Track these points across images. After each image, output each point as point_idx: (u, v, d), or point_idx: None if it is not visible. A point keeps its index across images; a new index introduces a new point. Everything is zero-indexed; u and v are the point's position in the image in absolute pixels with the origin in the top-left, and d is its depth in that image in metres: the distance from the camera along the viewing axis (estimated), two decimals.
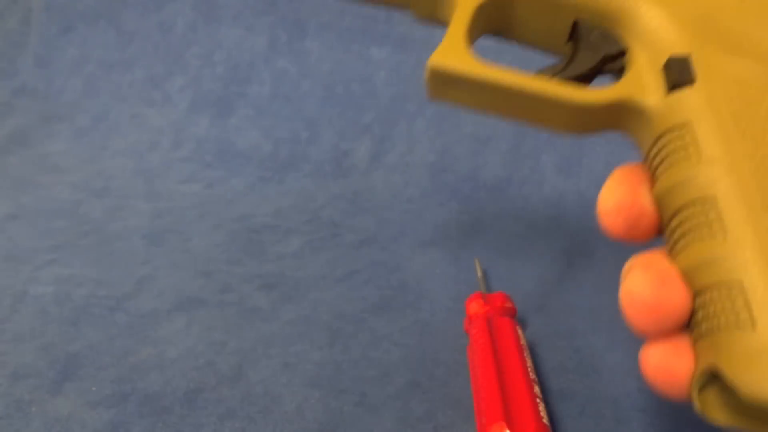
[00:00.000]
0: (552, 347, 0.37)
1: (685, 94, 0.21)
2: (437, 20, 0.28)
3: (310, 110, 0.64)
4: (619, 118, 0.24)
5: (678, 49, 0.22)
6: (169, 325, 0.39)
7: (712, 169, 0.19)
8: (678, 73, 0.22)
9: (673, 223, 0.21)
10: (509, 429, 0.28)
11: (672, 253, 0.21)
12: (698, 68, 0.22)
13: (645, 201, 0.22)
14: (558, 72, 0.24)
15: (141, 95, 0.70)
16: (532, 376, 0.32)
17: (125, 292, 0.43)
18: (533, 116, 0.24)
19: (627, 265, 0.21)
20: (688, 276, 0.19)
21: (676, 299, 0.19)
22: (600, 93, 0.23)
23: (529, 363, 0.33)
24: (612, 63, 0.24)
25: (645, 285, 0.19)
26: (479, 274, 0.42)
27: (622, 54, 0.24)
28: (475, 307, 0.37)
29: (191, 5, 0.70)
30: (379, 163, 0.59)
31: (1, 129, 0.71)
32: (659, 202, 0.22)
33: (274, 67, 0.67)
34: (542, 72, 0.25)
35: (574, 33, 0.25)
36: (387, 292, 0.43)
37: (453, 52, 0.23)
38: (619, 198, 0.22)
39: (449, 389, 0.35)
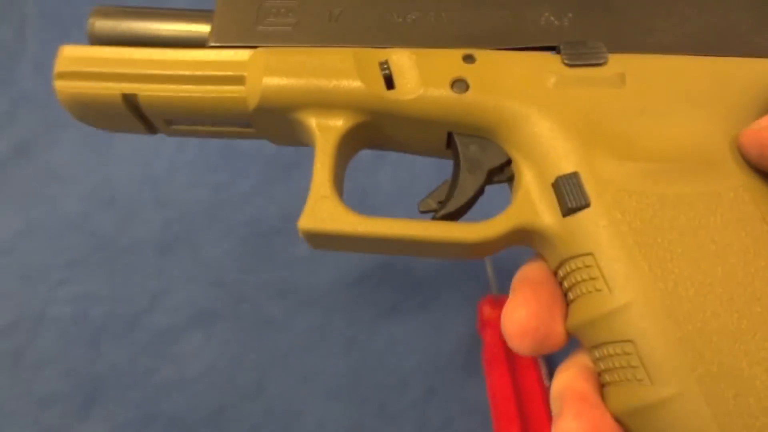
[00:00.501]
0: (566, 350, 0.38)
1: (582, 219, 0.20)
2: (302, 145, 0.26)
3: None
4: (520, 239, 0.22)
5: (565, 161, 0.20)
6: (188, 342, 0.40)
7: (624, 312, 0.18)
8: (571, 196, 0.20)
9: (596, 355, 0.19)
10: None
11: (602, 384, 0.19)
12: (590, 186, 0.20)
13: (554, 326, 0.20)
14: (444, 204, 0.23)
15: None
16: (547, 383, 0.33)
17: (141, 308, 0.43)
18: (427, 254, 0.23)
19: (556, 392, 0.20)
20: (621, 419, 0.18)
21: None
22: (492, 226, 0.21)
23: (543, 369, 0.33)
24: (500, 174, 0.23)
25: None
26: (490, 274, 0.42)
27: (507, 163, 0.22)
28: (487, 311, 0.38)
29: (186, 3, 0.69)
30: (384, 159, 0.59)
31: (5, 140, 0.71)
32: (575, 330, 0.20)
33: None
34: (426, 202, 0.23)
35: (451, 141, 0.23)
36: (398, 294, 0.44)
37: (321, 211, 0.21)
38: (526, 321, 0.20)
39: (466, 394, 0.35)
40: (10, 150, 0.69)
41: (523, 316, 0.20)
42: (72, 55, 0.24)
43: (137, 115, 0.25)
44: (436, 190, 0.24)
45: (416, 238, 0.21)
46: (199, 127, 0.26)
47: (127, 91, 0.23)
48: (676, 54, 0.22)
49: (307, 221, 0.21)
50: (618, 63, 0.22)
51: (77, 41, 0.81)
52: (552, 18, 0.23)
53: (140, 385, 0.37)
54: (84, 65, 0.24)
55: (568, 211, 0.20)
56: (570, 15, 0.23)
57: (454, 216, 0.23)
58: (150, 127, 0.26)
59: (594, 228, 0.19)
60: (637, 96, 0.21)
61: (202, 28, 0.25)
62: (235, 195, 0.58)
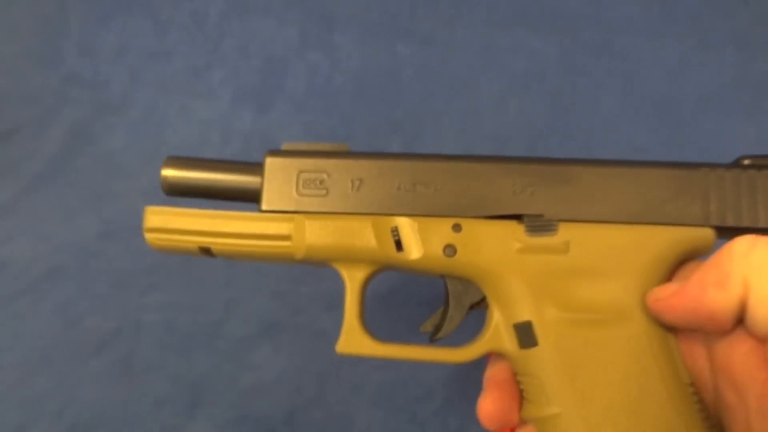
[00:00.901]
0: None
1: (533, 353, 0.30)
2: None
3: (344, 106, 0.71)
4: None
5: (522, 310, 0.30)
6: (261, 352, 0.51)
7: (555, 419, 0.29)
8: (525, 337, 0.30)
9: None
10: None
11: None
12: (539, 331, 0.29)
13: (512, 416, 0.32)
14: (438, 330, 0.33)
15: (185, 87, 0.75)
16: None
17: (218, 317, 0.54)
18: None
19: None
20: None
21: None
22: (472, 351, 0.32)
23: None
24: (478, 305, 0.33)
25: None
26: None
27: (483, 299, 0.32)
28: None
29: None
30: None
31: (61, 121, 0.79)
32: (526, 419, 0.31)
33: (306, 60, 0.72)
34: (426, 326, 0.34)
35: (443, 277, 0.33)
36: (426, 309, 0.54)
37: (352, 341, 0.32)
38: (493, 413, 0.32)
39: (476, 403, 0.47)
40: (68, 134, 0.77)
41: (491, 410, 0.32)
42: (157, 214, 0.33)
43: (208, 255, 0.34)
44: (431, 317, 0.35)
45: (418, 359, 0.33)
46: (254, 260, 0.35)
47: (203, 245, 0.32)
48: (610, 222, 0.30)
49: (343, 347, 0.32)
50: (565, 231, 0.30)
51: (119, 24, 0.87)
52: (518, 190, 0.31)
53: (230, 390, 0.49)
54: (167, 223, 0.33)
55: (523, 346, 0.30)
56: (531, 187, 0.31)
57: (456, 328, 0.34)
58: (215, 257, 0.35)
59: (540, 360, 0.30)
60: (576, 261, 0.30)
61: (253, 180, 0.33)
62: None
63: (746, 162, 0.30)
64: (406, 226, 0.31)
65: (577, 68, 0.64)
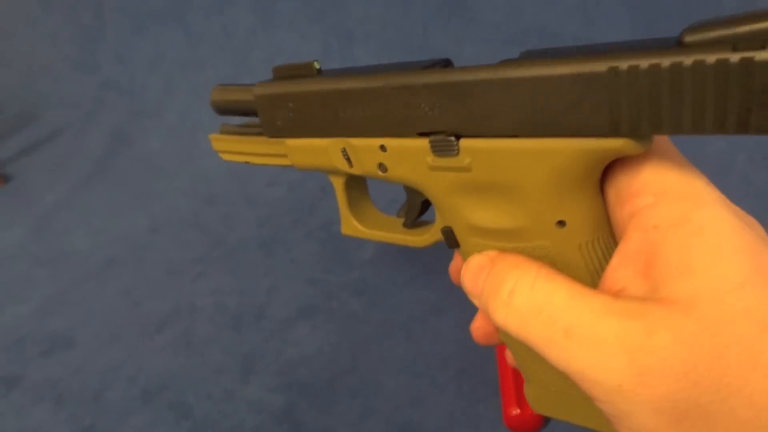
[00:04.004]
0: None
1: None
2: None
3: None
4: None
5: (445, 218, 0.34)
6: (301, 330, 0.65)
7: None
8: (450, 239, 0.35)
9: None
10: (519, 409, 0.55)
11: None
12: (459, 236, 0.34)
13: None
14: (407, 216, 0.40)
15: None
16: None
17: (261, 301, 0.68)
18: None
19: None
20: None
21: None
22: (425, 239, 0.39)
23: None
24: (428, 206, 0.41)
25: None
26: None
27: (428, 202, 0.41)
28: None
29: (250, 9, 0.87)
30: None
31: (100, 124, 0.92)
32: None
33: None
34: (400, 213, 0.42)
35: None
36: (440, 293, 0.68)
37: (348, 225, 0.42)
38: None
39: (485, 373, 0.61)
40: (107, 136, 0.90)
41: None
42: (216, 140, 0.45)
43: (251, 163, 0.46)
44: (402, 207, 0.42)
45: (390, 240, 0.41)
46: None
47: (245, 160, 0.45)
48: (511, 137, 0.30)
49: (344, 229, 0.43)
50: (466, 152, 0.33)
51: (153, 35, 1.02)
52: (426, 108, 0.33)
53: (276, 361, 0.62)
54: (223, 147, 0.46)
55: (450, 247, 0.36)
56: (437, 106, 0.33)
57: (416, 219, 0.41)
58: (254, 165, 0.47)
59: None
60: (481, 178, 0.33)
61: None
62: (307, 195, 0.81)
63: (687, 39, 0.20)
64: (353, 146, 0.37)
65: None
